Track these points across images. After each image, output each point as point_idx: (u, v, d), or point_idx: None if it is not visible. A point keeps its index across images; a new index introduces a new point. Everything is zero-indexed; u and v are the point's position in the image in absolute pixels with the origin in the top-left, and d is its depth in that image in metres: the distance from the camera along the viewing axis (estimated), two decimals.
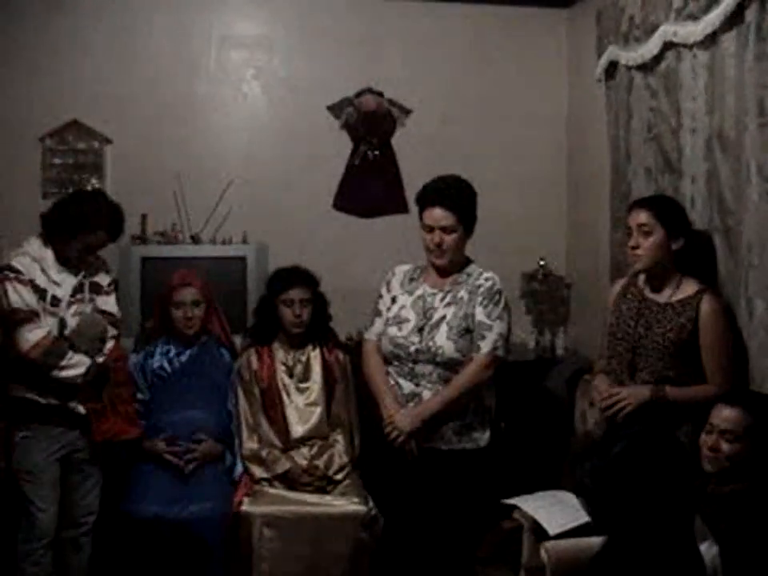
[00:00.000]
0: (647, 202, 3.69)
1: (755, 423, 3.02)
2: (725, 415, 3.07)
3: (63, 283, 3.89)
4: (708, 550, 2.84)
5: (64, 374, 3.80)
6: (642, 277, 3.73)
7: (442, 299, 3.80)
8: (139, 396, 4.34)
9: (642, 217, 3.57)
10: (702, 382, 3.48)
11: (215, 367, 4.48)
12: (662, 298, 3.62)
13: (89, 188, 5.24)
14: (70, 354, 3.81)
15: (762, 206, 3.30)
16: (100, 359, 3.93)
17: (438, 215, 3.72)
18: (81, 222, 3.85)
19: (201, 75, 5.49)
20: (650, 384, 3.54)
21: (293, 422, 4.42)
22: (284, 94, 5.58)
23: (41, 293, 3.82)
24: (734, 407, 3.07)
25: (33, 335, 3.76)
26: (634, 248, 3.60)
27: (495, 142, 5.70)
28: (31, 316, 3.78)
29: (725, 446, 3.05)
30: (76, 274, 3.94)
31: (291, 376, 4.47)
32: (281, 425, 4.41)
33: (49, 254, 3.88)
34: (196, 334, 4.44)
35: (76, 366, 3.82)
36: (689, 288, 3.57)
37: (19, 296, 3.77)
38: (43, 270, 3.84)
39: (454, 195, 3.74)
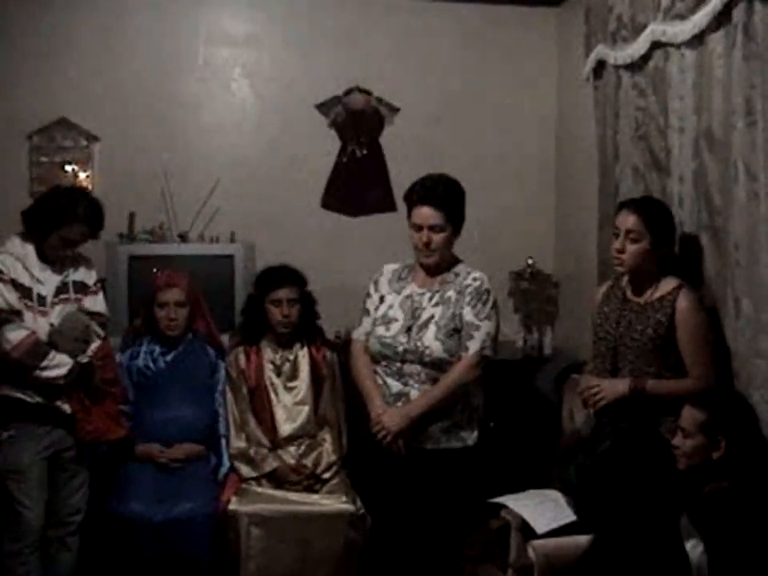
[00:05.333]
0: (638, 206, 3.65)
1: (711, 420, 3.03)
2: (684, 413, 3.12)
3: (46, 282, 3.88)
4: (694, 547, 2.85)
5: (46, 374, 3.78)
6: (625, 279, 3.74)
7: (431, 299, 3.80)
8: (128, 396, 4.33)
9: (630, 221, 3.56)
10: (683, 378, 3.50)
11: (200, 366, 4.48)
12: (643, 298, 3.63)
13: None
14: (52, 354, 3.79)
15: (749, 205, 3.31)
16: (84, 359, 3.91)
17: (426, 214, 3.72)
18: (57, 216, 3.83)
19: (189, 73, 5.48)
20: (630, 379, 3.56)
21: (281, 420, 4.42)
22: (272, 93, 5.57)
23: (24, 291, 3.81)
24: (691, 405, 3.11)
25: (14, 335, 3.74)
26: (618, 251, 3.60)
27: (483, 141, 5.71)
28: (12, 316, 3.77)
29: (682, 443, 3.07)
30: (59, 273, 3.93)
31: (279, 375, 4.47)
32: (269, 424, 4.41)
33: (30, 251, 3.87)
34: (181, 334, 4.44)
35: (58, 366, 3.81)
36: (667, 286, 3.58)
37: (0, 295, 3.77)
38: (26, 268, 3.84)
39: (442, 194, 3.74)
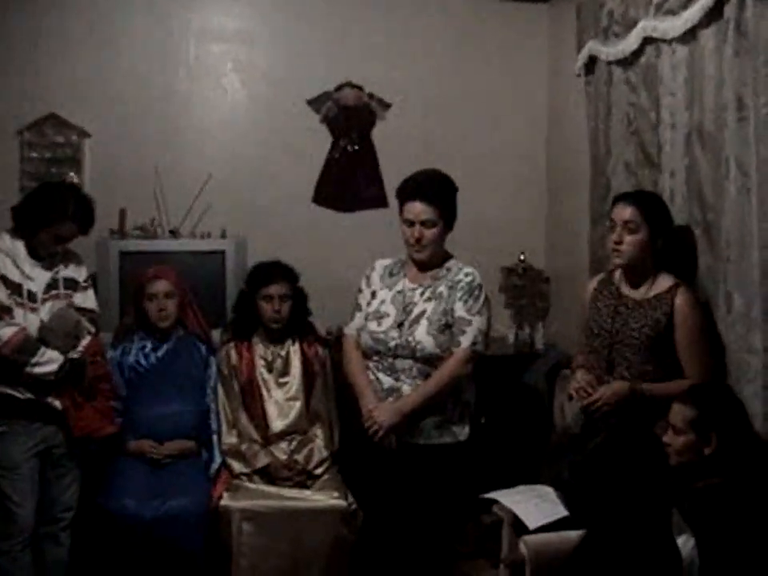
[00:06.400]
0: (635, 198, 3.66)
1: (701, 417, 3.01)
2: (673, 410, 3.10)
3: (37, 278, 3.87)
4: (685, 543, 2.85)
5: (37, 370, 3.77)
6: (618, 273, 3.74)
7: (422, 294, 3.80)
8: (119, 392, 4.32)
9: (628, 213, 3.56)
10: (680, 376, 3.49)
11: (192, 362, 4.48)
12: (638, 294, 3.63)
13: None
14: (43, 350, 3.78)
15: (741, 200, 3.31)
16: (74, 355, 3.90)
17: (418, 209, 3.72)
18: (47, 213, 3.82)
19: (180, 69, 5.46)
20: (627, 379, 3.55)
21: (272, 416, 4.42)
22: (264, 88, 5.56)
23: (14, 288, 3.80)
24: (680, 402, 3.09)
25: (3, 332, 3.73)
26: (616, 243, 3.59)
27: (475, 137, 5.70)
28: (2, 313, 3.75)
29: (673, 440, 3.06)
30: (49, 269, 3.92)
31: (270, 371, 4.47)
32: (260, 419, 4.41)
33: (20, 248, 3.86)
34: (171, 328, 4.44)
35: (49, 362, 3.79)
36: (664, 283, 3.58)
37: None
38: (16, 265, 3.83)
39: (434, 189, 3.75)
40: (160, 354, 4.42)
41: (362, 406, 3.79)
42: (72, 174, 5.31)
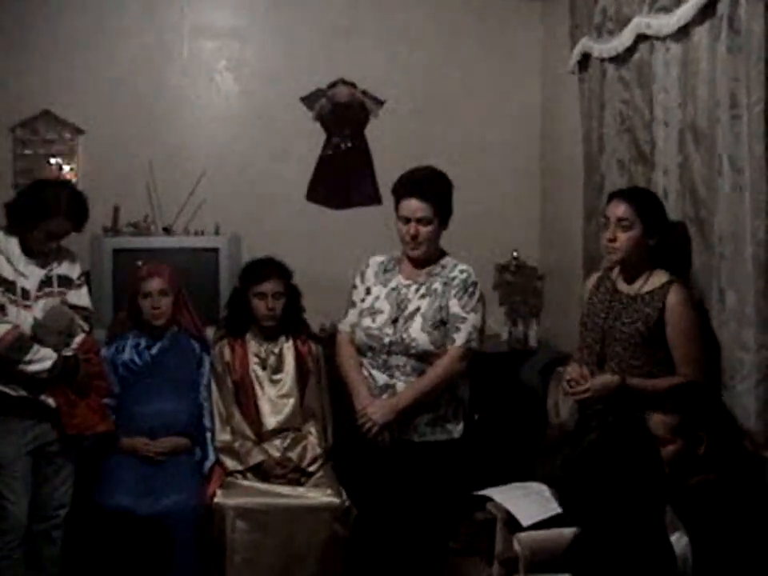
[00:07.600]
0: (629, 195, 3.65)
1: (684, 420, 2.97)
2: (654, 422, 3.05)
3: (30, 275, 3.86)
4: (679, 540, 2.86)
5: (30, 368, 3.76)
6: (615, 269, 3.74)
7: (417, 291, 3.80)
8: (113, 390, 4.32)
9: (621, 210, 3.56)
10: (670, 372, 3.49)
11: (185, 359, 4.47)
12: (632, 290, 3.62)
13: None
14: (36, 348, 3.77)
15: (734, 197, 3.31)
16: (68, 353, 3.89)
17: (414, 206, 3.72)
18: (40, 209, 3.81)
19: (173, 66, 5.46)
20: (617, 374, 3.54)
21: (266, 413, 4.42)
22: (257, 85, 5.56)
23: (8, 285, 3.79)
24: (658, 412, 3.05)
25: None
26: (610, 240, 3.59)
27: (468, 133, 5.70)
28: None
29: (662, 451, 3.04)
30: (43, 266, 3.91)
31: (264, 368, 4.46)
32: (254, 417, 4.41)
33: (14, 245, 3.85)
34: (165, 326, 4.43)
35: (42, 360, 3.78)
36: (658, 279, 3.57)
37: None
38: (9, 262, 3.82)
39: (430, 186, 3.75)
40: (154, 351, 4.41)
41: (355, 403, 3.79)
42: (65, 170, 5.30)
